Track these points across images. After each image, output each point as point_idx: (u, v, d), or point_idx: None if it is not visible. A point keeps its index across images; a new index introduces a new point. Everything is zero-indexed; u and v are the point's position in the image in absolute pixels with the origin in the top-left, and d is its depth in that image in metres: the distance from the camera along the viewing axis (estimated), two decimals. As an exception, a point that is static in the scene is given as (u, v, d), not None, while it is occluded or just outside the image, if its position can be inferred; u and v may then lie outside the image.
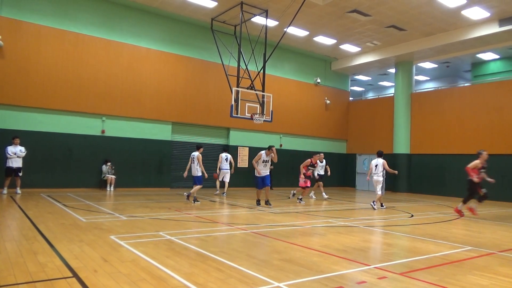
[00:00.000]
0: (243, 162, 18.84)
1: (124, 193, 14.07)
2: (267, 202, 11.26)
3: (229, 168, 14.62)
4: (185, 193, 12.56)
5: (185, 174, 11.79)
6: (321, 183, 14.76)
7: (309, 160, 13.16)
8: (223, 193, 14.61)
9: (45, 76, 13.93)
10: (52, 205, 9.71)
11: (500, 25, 15.46)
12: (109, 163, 14.82)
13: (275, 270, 4.49)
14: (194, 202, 11.34)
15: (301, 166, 12.92)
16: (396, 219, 9.99)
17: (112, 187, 14.64)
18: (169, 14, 16.49)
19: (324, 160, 14.89)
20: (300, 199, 12.82)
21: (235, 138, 18.77)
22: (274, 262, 4.84)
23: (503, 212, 12.43)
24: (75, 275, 4.03)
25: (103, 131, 15.14)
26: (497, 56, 21.06)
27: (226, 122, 17.97)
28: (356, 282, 4.20)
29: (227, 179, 14.61)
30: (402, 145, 20.20)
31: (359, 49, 20.22)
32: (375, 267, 4.79)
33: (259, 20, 16.01)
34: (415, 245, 6.40)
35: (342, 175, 23.23)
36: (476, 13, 15.03)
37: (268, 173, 11.14)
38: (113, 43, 15.35)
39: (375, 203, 11.84)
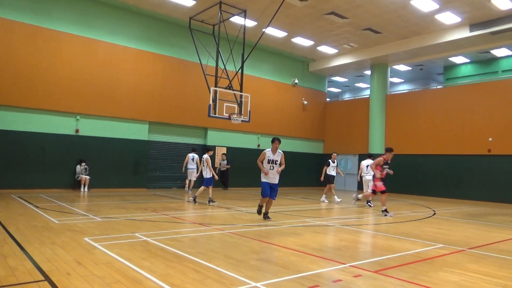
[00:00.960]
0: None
1: (99, 193, 13.78)
2: (266, 215, 8.75)
3: (195, 167, 15.32)
4: (191, 198, 12.47)
5: (196, 175, 11.73)
6: (333, 185, 14.30)
7: (381, 158, 10.82)
8: (189, 189, 15.82)
9: (17, 74, 13.46)
10: (23, 207, 9.40)
11: (471, 30, 16.02)
12: (83, 163, 14.47)
13: (253, 270, 4.50)
14: (209, 203, 11.53)
15: (372, 166, 10.74)
16: (372, 218, 10.18)
17: (86, 188, 14.30)
18: (147, 12, 16.25)
19: (336, 160, 14.52)
20: (369, 202, 12.60)
21: (212, 138, 18.69)
22: (252, 262, 4.85)
23: (472, 211, 12.87)
24: (47, 278, 3.92)
25: (77, 131, 14.78)
26: (467, 60, 21.80)
27: (204, 122, 17.86)
28: (332, 280, 4.26)
29: (193, 178, 15.52)
30: (377, 146, 20.60)
31: (336, 50, 20.51)
32: (350, 266, 4.87)
33: (237, 20, 16.00)
34: (389, 244, 6.55)
35: (319, 175, 23.42)
36: (449, 18, 15.52)
37: (277, 181, 8.53)
38: (88, 40, 14.99)
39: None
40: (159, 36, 16.92)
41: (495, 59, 21.10)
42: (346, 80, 27.57)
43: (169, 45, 17.23)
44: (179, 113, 17.39)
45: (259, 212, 8.80)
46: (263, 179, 8.46)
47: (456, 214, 11.60)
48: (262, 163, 8.47)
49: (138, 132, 16.31)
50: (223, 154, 18.17)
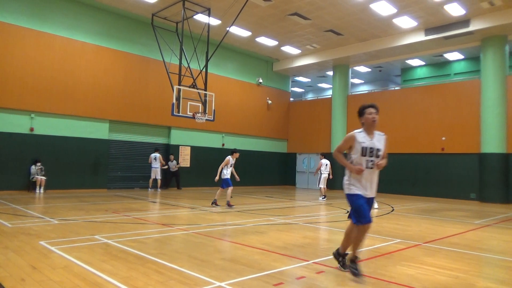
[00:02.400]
0: (185, 162, 18.55)
1: (56, 195, 13.19)
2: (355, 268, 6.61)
3: (158, 166, 16.35)
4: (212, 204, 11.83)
5: (217, 178, 11.24)
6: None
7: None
8: (150, 188, 16.63)
9: (-38, 68, 12.61)
10: (-29, 210, 8.82)
11: (426, 34, 16.81)
12: (38, 164, 13.79)
13: (217, 269, 4.49)
14: (230, 206, 11.17)
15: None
16: (334, 215, 10.44)
17: (41, 189, 13.64)
18: (106, 7, 15.73)
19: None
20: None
21: (176, 137, 18.41)
22: (216, 262, 4.83)
23: (427, 207, 13.52)
24: (-2, 285, 3.71)
25: (31, 129, 14.06)
26: (423, 63, 22.83)
27: (167, 121, 17.56)
28: (295, 277, 4.33)
29: (158, 176, 16.50)
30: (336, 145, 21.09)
31: (300, 51, 20.83)
32: (313, 262, 4.98)
33: (201, 18, 15.86)
34: (350, 240, 6.74)
35: (283, 174, 23.79)
36: (405, 22, 16.19)
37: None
38: (44, 35, 14.29)
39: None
40: (119, 32, 16.42)
41: (448, 62, 22.25)
42: (309, 80, 28.06)
43: (131, 42, 16.78)
44: (141, 111, 16.98)
45: (343, 264, 4.63)
46: (354, 189, 4.44)
47: (413, 210, 12.14)
48: (347, 155, 4.72)
49: (97, 131, 15.75)
50: (171, 155, 17.80)
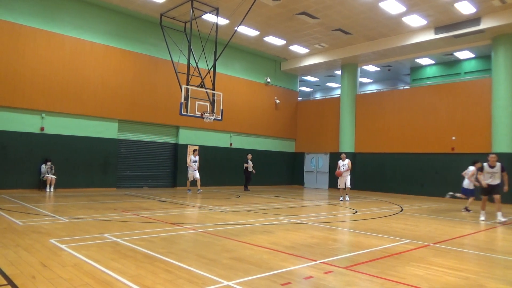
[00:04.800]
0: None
1: (66, 194, 13.34)
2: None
3: (196, 168, 15.63)
4: (462, 209, 12.17)
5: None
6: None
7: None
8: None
9: (-25, 68, 12.80)
10: (-17, 208, 8.97)
11: (436, 33, 16.63)
12: (49, 163, 13.96)
13: (225, 269, 4.50)
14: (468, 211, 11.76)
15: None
16: (341, 215, 10.39)
17: (52, 188, 13.80)
18: (115, 7, 15.85)
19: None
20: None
21: (184, 136, 18.49)
22: (224, 261, 4.85)
23: (437, 207, 13.39)
24: (10, 282, 3.76)
25: (42, 129, 14.23)
26: (432, 62, 22.59)
27: (175, 120, 17.65)
28: (303, 277, 4.33)
29: (197, 176, 15.53)
30: (347, 144, 21.04)
31: (308, 50, 20.76)
32: (321, 262, 4.96)
33: (210, 17, 15.90)
34: (358, 240, 6.71)
35: (291, 173, 23.75)
36: (415, 20, 16.04)
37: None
38: (54, 35, 14.46)
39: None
40: (128, 32, 16.54)
41: (458, 61, 21.98)
42: (318, 79, 27.95)
43: (139, 42, 16.88)
44: (150, 111, 17.09)
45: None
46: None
47: (422, 211, 12.03)
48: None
49: (107, 130, 15.89)
50: (249, 154, 18.65)
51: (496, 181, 9.95)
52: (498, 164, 9.92)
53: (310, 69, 23.25)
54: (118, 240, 5.90)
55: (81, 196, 12.63)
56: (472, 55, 20.96)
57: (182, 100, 13.42)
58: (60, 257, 4.80)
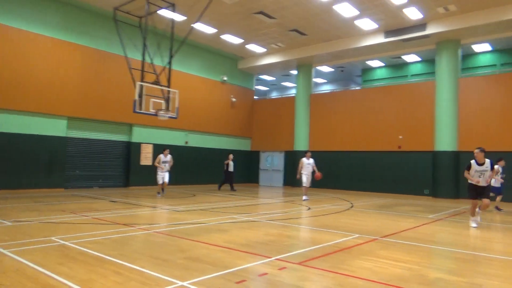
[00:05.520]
0: (146, 160, 18.17)
1: (8, 195, 12.52)
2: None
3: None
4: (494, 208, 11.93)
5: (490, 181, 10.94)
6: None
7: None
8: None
9: None
10: None
11: (386, 37, 17.42)
12: (-12, 162, 13.02)
13: (179, 269, 4.45)
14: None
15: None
16: (295, 212, 10.62)
17: (-8, 189, 12.89)
18: (64, -1, 15.07)
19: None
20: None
21: (138, 134, 17.98)
22: (178, 261, 4.79)
23: (385, 202, 14.05)
24: None
25: (-20, 125, 13.24)
26: (382, 64, 23.66)
27: (129, 118, 17.11)
28: (258, 274, 4.38)
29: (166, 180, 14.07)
30: (302, 143, 21.50)
31: (264, 50, 20.95)
32: (276, 259, 5.05)
33: (166, 13, 15.57)
34: (312, 236, 6.90)
35: (247, 171, 23.87)
36: (367, 24, 16.70)
37: None
38: (-6, 25, 13.49)
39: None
40: (78, 25, 15.76)
41: (406, 64, 23.19)
42: (274, 79, 28.30)
43: (90, 36, 16.16)
44: (102, 108, 16.43)
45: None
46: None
47: (370, 206, 12.58)
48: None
49: (54, 127, 15.07)
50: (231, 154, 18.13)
51: (484, 181, 8.29)
52: (488, 161, 8.27)
53: (267, 68, 23.48)
54: (66, 243, 5.64)
55: (25, 198, 11.92)
56: (419, 59, 22.20)
57: (136, 97, 13.04)
58: (1, 262, 4.51)
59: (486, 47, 19.50)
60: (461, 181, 16.36)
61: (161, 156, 13.95)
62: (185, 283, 3.92)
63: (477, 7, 14.68)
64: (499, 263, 5.28)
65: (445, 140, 16.72)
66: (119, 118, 17.07)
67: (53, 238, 5.97)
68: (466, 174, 8.48)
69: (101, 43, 16.47)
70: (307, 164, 13.85)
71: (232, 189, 17.73)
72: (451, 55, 16.95)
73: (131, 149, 17.64)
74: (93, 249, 5.27)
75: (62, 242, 5.70)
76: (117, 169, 17.42)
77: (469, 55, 20.59)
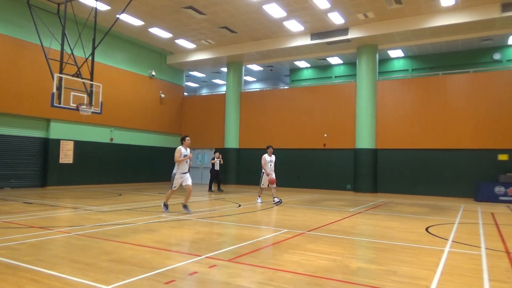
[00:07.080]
0: (66, 158, 16.93)
1: None
2: None
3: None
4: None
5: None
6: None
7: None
8: None
9: None
10: None
11: (311, 39, 18.19)
12: None
13: (103, 272, 4.23)
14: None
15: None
16: (226, 209, 10.67)
17: None
18: (-33, -23, 13.41)
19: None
20: None
21: (57, 130, 16.65)
22: (102, 264, 4.55)
23: (311, 198, 14.72)
24: None
25: None
26: (308, 65, 24.65)
27: (46, 113, 15.78)
28: (188, 273, 4.33)
29: None
30: (232, 140, 21.63)
31: (194, 46, 20.65)
32: (206, 257, 5.03)
33: (88, 1, 14.60)
34: (242, 232, 6.99)
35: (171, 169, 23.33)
36: (294, 26, 17.27)
37: None
38: None
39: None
40: (-15, 8, 14.14)
41: (330, 66, 24.41)
42: (204, 75, 28.03)
43: (4, 21, 14.57)
44: (14, 101, 14.93)
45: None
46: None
47: (298, 202, 13.08)
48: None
49: (-46, 122, 13.38)
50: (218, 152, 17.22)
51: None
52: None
53: (197, 65, 23.17)
54: (-30, 251, 5.05)
55: None
56: (341, 61, 23.50)
57: (54, 90, 12.07)
58: None
59: (399, 53, 21.27)
60: (379, 176, 17.74)
61: (181, 148, 9.46)
62: (109, 287, 3.74)
63: (393, 15, 15.95)
64: (411, 251, 5.82)
65: (364, 138, 17.95)
66: (35, 112, 15.66)
67: (-46, 246, 5.31)
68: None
69: (14, 29, 14.95)
70: (270, 162, 12.63)
71: (219, 189, 17.12)
72: (370, 59, 18.23)
73: (49, 146, 16.30)
74: (5, 256, 4.79)
75: (-34, 250, 5.09)
76: (33, 168, 15.99)
77: (386, 60, 22.30)
